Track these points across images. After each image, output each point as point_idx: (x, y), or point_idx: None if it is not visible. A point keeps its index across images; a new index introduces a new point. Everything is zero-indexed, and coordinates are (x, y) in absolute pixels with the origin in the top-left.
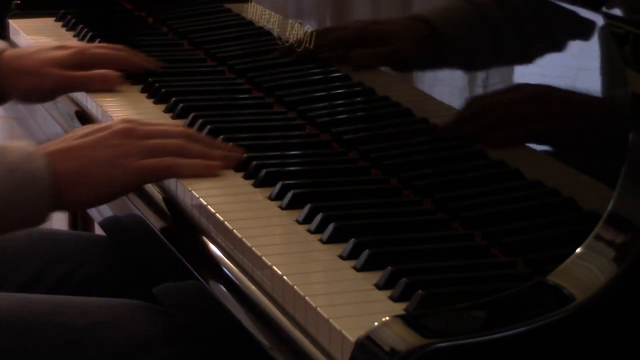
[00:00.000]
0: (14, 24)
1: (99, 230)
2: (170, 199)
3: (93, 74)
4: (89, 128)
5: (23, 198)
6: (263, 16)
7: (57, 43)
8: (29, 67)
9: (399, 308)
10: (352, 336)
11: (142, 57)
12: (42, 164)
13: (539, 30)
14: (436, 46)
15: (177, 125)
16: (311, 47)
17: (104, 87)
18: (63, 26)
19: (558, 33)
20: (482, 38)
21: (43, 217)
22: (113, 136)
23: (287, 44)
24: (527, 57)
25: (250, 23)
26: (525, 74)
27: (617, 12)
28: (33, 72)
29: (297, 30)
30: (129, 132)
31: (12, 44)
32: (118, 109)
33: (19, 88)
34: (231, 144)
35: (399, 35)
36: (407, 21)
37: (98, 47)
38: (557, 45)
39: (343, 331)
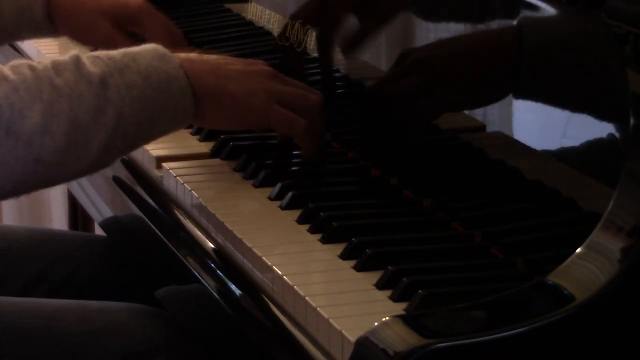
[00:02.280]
0: None
1: (99, 231)
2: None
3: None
4: (232, 58)
5: (163, 101)
6: (263, 16)
7: None
8: (85, 9)
9: (399, 308)
10: (352, 336)
11: (179, 35)
12: (176, 65)
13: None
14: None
15: None
16: (311, 47)
17: None
18: None
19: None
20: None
21: (187, 118)
22: (259, 72)
23: (287, 44)
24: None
25: (250, 23)
26: None
27: (617, 11)
28: (88, 14)
29: (297, 30)
30: (274, 75)
31: (13, 45)
32: None
33: (73, 26)
34: None
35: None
36: None
37: (156, 16)
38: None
39: (343, 331)
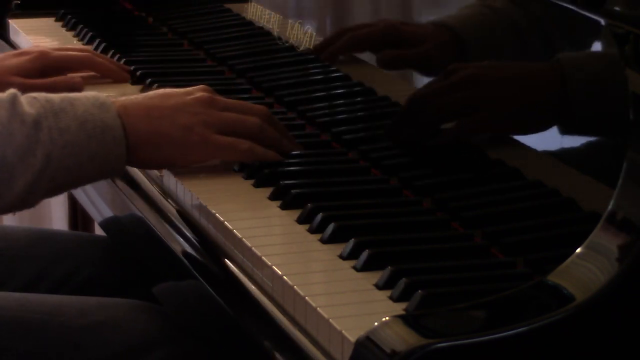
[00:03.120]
0: (14, 24)
1: (99, 230)
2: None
3: (56, 80)
4: (168, 91)
5: (95, 149)
6: (263, 16)
7: (15, 51)
8: None
9: (399, 308)
10: (352, 336)
11: (107, 60)
12: (114, 115)
13: (561, 35)
14: (460, 52)
15: None
16: (311, 47)
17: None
18: (63, 26)
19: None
20: (504, 44)
21: (119, 168)
22: (195, 103)
23: (287, 44)
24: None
25: (250, 23)
26: None
27: (617, 12)
28: None
29: (297, 30)
30: (211, 102)
31: (12, 44)
32: None
33: None
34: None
35: (426, 39)
36: (431, 26)
37: (60, 50)
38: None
39: (343, 331)
